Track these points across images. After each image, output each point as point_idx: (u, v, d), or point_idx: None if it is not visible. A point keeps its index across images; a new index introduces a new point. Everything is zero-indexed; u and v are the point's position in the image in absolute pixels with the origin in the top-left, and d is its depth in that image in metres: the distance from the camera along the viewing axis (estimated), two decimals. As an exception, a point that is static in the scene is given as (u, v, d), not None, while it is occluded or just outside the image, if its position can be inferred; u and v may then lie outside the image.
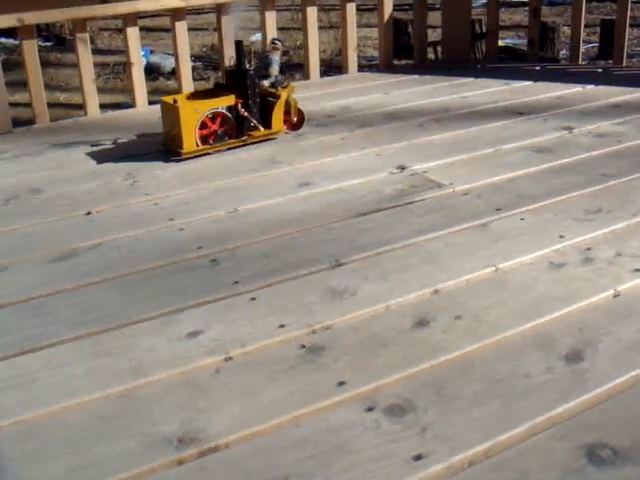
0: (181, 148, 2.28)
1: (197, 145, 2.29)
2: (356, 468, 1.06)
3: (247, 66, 2.32)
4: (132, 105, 3.01)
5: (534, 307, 1.43)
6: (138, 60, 2.95)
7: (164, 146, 2.37)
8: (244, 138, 2.39)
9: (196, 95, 2.42)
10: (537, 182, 2.03)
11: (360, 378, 1.24)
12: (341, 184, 2.06)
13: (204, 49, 6.65)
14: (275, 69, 2.39)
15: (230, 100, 2.32)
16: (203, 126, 2.29)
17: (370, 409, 1.17)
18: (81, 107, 2.96)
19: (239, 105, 2.32)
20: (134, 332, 1.40)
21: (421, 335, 1.35)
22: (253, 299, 1.49)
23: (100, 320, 1.45)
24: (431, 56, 4.70)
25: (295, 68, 4.61)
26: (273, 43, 2.44)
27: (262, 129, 2.40)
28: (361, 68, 3.55)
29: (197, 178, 2.16)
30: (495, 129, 2.50)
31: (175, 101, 2.26)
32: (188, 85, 3.03)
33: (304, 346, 1.33)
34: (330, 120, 2.71)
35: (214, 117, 2.30)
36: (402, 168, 2.15)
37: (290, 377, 1.25)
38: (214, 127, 2.32)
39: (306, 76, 3.30)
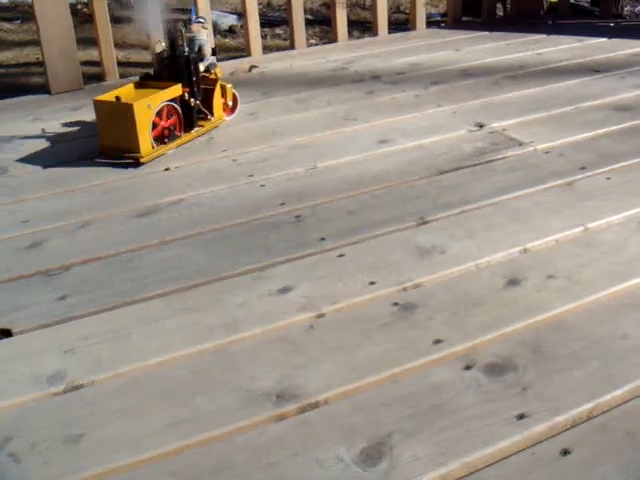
0: (138, 153, 1.97)
1: (153, 147, 2.01)
2: (459, 426, 1.04)
3: (185, 50, 2.06)
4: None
5: (627, 268, 1.40)
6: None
7: (103, 155, 2.02)
8: (196, 130, 2.16)
9: (131, 89, 2.08)
10: (619, 141, 1.99)
11: (456, 336, 1.22)
12: (420, 141, 2.04)
13: (260, 6, 6.59)
14: (208, 50, 2.12)
15: (177, 90, 2.03)
16: (153, 124, 1.99)
17: (468, 367, 1.15)
18: (138, 65, 2.95)
19: (186, 95, 2.06)
20: (224, 288, 1.40)
21: (514, 294, 1.33)
22: (341, 256, 1.47)
23: (188, 276, 1.45)
24: (500, 13, 4.61)
25: (353, 25, 4.53)
26: (199, 22, 2.14)
27: (212, 118, 2.21)
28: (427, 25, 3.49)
29: (272, 136, 2.14)
30: (572, 87, 2.45)
31: (118, 98, 1.94)
32: (256, 44, 3.01)
33: (396, 303, 1.32)
34: (401, 77, 2.68)
35: (160, 112, 2.00)
36: (480, 126, 2.12)
37: (385, 334, 1.24)
38: (163, 123, 2.03)
39: (374, 32, 3.26)
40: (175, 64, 2.06)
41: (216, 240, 1.58)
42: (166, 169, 1.96)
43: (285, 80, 2.75)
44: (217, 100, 2.20)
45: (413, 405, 1.09)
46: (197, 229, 1.63)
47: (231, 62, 3.09)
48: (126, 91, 2.03)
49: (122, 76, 2.86)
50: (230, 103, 2.29)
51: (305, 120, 2.26)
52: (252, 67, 2.88)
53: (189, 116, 2.10)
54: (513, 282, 1.37)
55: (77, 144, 2.18)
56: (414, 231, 1.56)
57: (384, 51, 3.04)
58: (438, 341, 1.22)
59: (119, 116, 1.95)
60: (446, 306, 1.31)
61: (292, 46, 3.17)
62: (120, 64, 4.28)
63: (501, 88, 2.47)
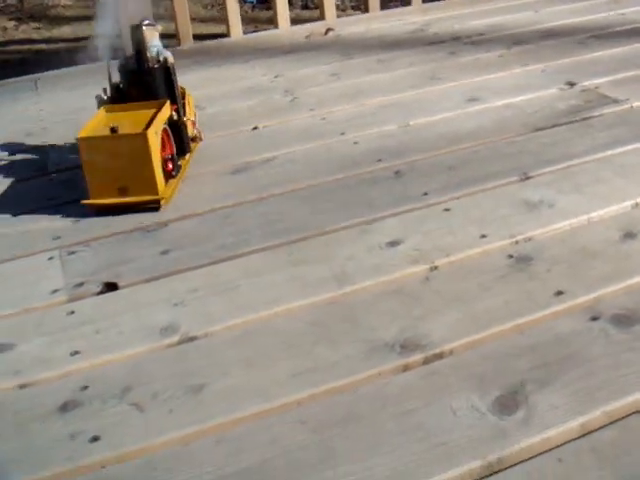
0: (157, 195, 1.54)
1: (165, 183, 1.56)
2: (593, 376, 1.01)
3: (159, 59, 1.63)
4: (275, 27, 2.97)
5: None
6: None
7: (94, 206, 1.56)
8: (189, 154, 1.75)
9: (105, 116, 1.62)
10: None
11: (577, 288, 1.19)
12: (510, 100, 1.99)
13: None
14: (170, 58, 1.65)
15: (168, 110, 1.61)
16: None
17: (595, 319, 1.12)
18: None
19: (174, 114, 1.64)
20: (330, 241, 1.38)
21: (632, 247, 1.29)
22: (447, 210, 1.44)
23: (291, 229, 1.42)
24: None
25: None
26: (150, 25, 1.64)
27: (202, 137, 1.86)
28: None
29: (359, 95, 2.11)
30: (662, 46, 2.38)
31: (114, 130, 1.48)
32: (330, 8, 2.97)
33: (511, 256, 1.28)
34: (482, 38, 2.62)
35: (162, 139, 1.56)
36: (571, 84, 2.06)
37: (503, 286, 1.20)
38: (165, 152, 1.58)
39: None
40: (148, 77, 1.63)
41: (316, 195, 1.56)
42: (254, 128, 1.94)
43: (363, 43, 2.72)
44: (190, 110, 1.79)
45: (543, 355, 1.06)
46: (294, 185, 1.61)
47: (306, 25, 3.06)
48: (104, 120, 1.58)
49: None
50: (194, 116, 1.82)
51: (390, 80, 2.23)
52: (328, 30, 2.84)
53: (180, 139, 1.67)
54: (629, 235, 1.33)
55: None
56: (519, 186, 1.52)
57: (461, 13, 2.98)
58: (560, 292, 1.18)
59: (125, 154, 1.47)
60: (563, 258, 1.28)
61: (366, 9, 3.12)
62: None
63: (587, 47, 2.41)
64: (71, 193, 1.64)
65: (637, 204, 1.44)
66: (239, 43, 2.89)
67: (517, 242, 1.33)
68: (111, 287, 1.33)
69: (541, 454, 0.91)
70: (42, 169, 1.84)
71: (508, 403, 0.98)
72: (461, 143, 1.74)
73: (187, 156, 1.73)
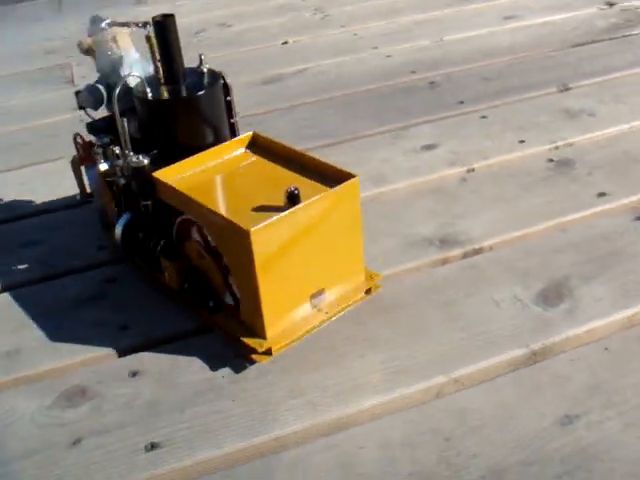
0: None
1: None
2: (638, 272, 0.97)
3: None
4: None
5: None
6: None
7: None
8: None
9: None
10: None
11: (620, 190, 1.16)
12: (548, 18, 1.94)
13: None
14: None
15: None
16: None
17: (638, 218, 1.08)
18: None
19: None
20: (365, 146, 1.35)
21: (676, 153, 1.25)
22: (484, 117, 1.40)
23: (324, 134, 1.40)
24: None
25: None
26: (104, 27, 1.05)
27: None
28: None
29: (391, 13, 2.06)
30: None
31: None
32: None
33: (551, 160, 1.24)
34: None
35: None
36: (610, 4, 2.00)
37: (545, 187, 1.17)
38: None
39: None
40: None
41: (349, 103, 1.52)
42: (284, 42, 1.90)
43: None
44: None
45: (586, 251, 1.03)
46: (327, 94, 1.58)
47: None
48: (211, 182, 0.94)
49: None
50: None
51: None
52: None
53: None
54: (673, 142, 1.29)
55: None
56: (558, 96, 1.48)
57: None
58: (602, 194, 1.15)
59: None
60: (604, 162, 1.24)
61: None
62: None
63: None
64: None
65: (680, 114, 1.39)
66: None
67: (557, 147, 1.30)
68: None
69: (587, 344, 0.88)
70: (68, 83, 1.81)
71: (552, 295, 0.95)
72: (497, 57, 1.69)
73: None
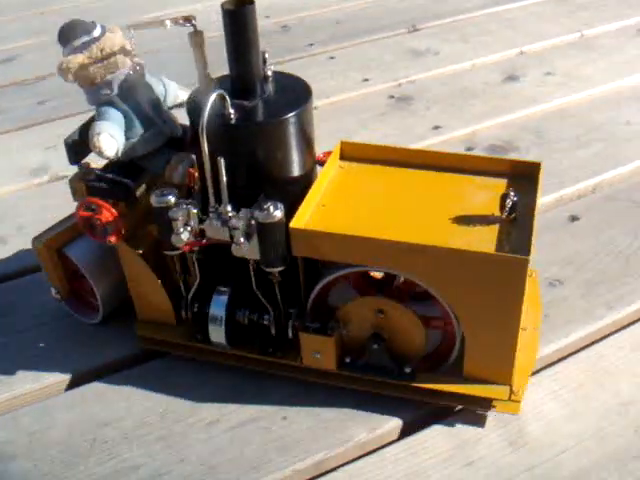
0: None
1: None
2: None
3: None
4: None
5: (627, 66, 1.35)
6: None
7: None
8: None
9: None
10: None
11: (455, 123, 1.19)
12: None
13: None
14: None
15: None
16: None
17: (469, 149, 1.12)
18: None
19: None
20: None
21: (513, 88, 1.29)
22: (332, 58, 1.42)
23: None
24: None
25: None
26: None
27: None
28: None
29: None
30: None
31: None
32: None
33: (392, 96, 1.27)
34: None
35: None
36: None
37: (382, 122, 1.20)
38: None
39: None
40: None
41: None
42: None
43: None
44: None
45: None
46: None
47: None
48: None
49: None
50: None
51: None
52: None
53: None
54: (511, 78, 1.33)
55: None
56: (406, 37, 1.51)
57: None
58: (437, 127, 1.18)
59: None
60: (443, 98, 1.28)
61: None
62: None
63: None
64: None
65: (522, 52, 1.44)
66: None
67: (400, 85, 1.32)
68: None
69: None
70: None
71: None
72: (351, 0, 1.70)
73: None
